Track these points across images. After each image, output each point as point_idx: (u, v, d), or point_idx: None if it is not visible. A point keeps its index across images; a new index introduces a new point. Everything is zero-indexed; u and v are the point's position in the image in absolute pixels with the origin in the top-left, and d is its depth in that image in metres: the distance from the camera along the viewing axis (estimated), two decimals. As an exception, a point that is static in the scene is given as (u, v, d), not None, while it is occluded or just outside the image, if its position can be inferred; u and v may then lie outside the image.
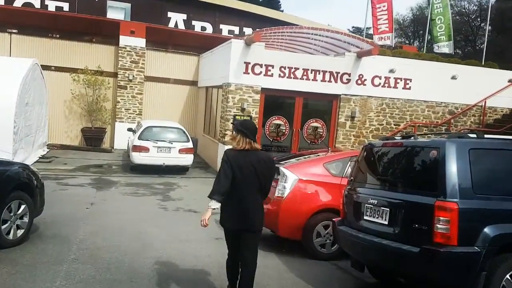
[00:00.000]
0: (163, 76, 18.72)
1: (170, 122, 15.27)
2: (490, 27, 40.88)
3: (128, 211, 8.99)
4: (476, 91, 14.79)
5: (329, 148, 7.66)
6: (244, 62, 13.18)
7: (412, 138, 4.89)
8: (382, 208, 4.66)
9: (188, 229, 7.90)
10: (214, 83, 15.46)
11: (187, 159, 13.49)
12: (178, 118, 18.63)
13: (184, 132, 13.88)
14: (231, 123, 12.73)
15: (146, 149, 13.08)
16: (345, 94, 14.06)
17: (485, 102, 14.97)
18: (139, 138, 13.25)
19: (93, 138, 17.41)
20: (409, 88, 14.48)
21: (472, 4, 40.73)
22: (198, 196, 10.91)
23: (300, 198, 6.34)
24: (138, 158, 13.11)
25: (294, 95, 13.86)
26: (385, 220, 4.54)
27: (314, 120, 14.14)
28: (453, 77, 14.68)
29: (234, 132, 4.69)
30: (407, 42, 45.03)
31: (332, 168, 6.56)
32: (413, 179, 4.52)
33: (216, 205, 4.40)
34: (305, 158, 7.24)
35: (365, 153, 5.49)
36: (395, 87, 14.40)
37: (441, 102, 14.83)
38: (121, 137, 17.03)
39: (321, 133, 14.22)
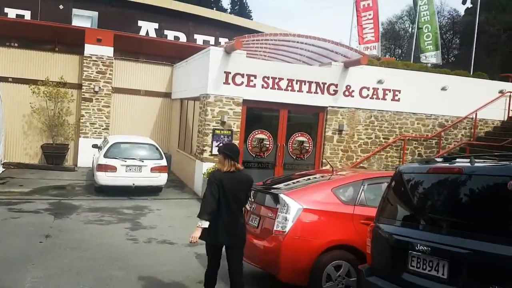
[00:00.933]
0: (133, 88, 17.30)
1: (141, 137, 13.87)
2: (459, 40, 41.34)
3: (90, 246, 7.55)
4: (466, 103, 14.08)
5: (332, 168, 6.43)
6: (224, 72, 11.99)
7: (467, 161, 3.65)
8: (437, 258, 3.54)
9: (164, 270, 6.55)
10: (190, 95, 14.18)
11: (160, 179, 12.10)
12: (149, 133, 17.20)
13: (156, 149, 12.50)
14: (218, 144, 11.54)
15: (113, 168, 11.63)
16: (332, 106, 13.05)
17: (476, 114, 14.27)
18: (105, 155, 11.79)
19: (55, 156, 15.75)
20: (398, 100, 13.61)
21: (444, 18, 41.07)
22: (174, 222, 9.55)
23: (306, 232, 5.13)
24: (103, 178, 11.63)
25: (278, 107, 12.74)
26: (443, 274, 3.37)
27: (299, 134, 13.04)
28: (443, 88, 13.92)
29: (220, 156, 5.05)
30: (384, 55, 45.04)
31: (343, 194, 5.39)
32: (483, 219, 3.36)
33: (205, 224, 4.68)
34: (306, 181, 6.05)
35: (399, 180, 4.30)
36: (383, 98, 13.50)
37: (431, 115, 14.03)
38: (86, 154, 15.45)
39: (307, 148, 13.12)
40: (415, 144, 13.98)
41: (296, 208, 5.14)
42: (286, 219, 5.11)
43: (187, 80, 14.81)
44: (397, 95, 13.59)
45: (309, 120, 13.55)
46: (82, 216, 9.63)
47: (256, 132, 12.59)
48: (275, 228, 5.16)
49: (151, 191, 12.30)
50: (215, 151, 12.01)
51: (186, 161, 14.38)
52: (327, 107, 13.01)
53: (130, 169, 11.80)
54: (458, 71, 15.06)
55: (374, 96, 13.39)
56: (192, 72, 14.16)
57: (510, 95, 14.67)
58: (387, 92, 13.50)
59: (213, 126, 12.07)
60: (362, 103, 13.29)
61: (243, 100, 12.21)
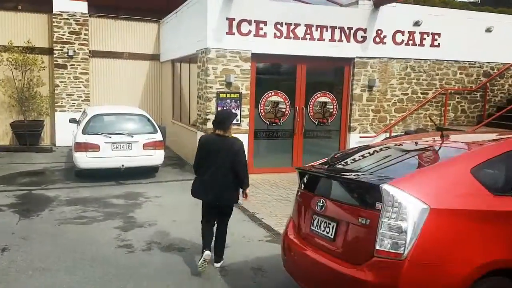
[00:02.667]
0: (114, 50, 14.64)
1: (128, 107, 11.41)
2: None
3: (64, 263, 5.28)
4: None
5: (441, 130, 3.93)
6: (227, 19, 9.47)
7: None
8: None
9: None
10: (184, 53, 11.65)
11: (156, 157, 9.75)
12: (137, 103, 14.70)
13: (148, 120, 10.09)
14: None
15: (94, 147, 9.24)
16: (361, 57, 10.63)
17: (526, 59, 11.98)
18: (84, 131, 9.37)
19: (27, 135, 13.25)
20: (438, 45, 11.23)
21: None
22: (179, 214, 7.28)
23: (441, 252, 2.83)
24: (84, 160, 9.26)
25: (295, 62, 10.30)
26: None
27: (321, 94, 10.68)
28: (488, 30, 11.53)
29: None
30: None
31: (491, 177, 3.08)
32: None
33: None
34: (407, 155, 3.66)
35: None
36: (421, 44, 11.10)
37: (475, 62, 11.69)
38: (65, 130, 12.95)
39: (331, 110, 10.80)
40: (458, 98, 11.70)
41: (418, 209, 2.81)
42: (401, 229, 2.80)
43: (178, 36, 12.22)
44: (436, 40, 11.19)
45: (332, 76, 11.18)
46: (56, 213, 7.31)
47: (270, 94, 10.20)
48: (378, 247, 2.86)
49: (146, 172, 9.98)
50: (221, 119, 9.63)
51: (185, 133, 12.01)
52: (354, 58, 10.60)
53: (117, 147, 9.43)
54: (501, 9, 12.62)
55: (410, 42, 10.98)
56: (185, 25, 11.58)
57: None
58: (425, 36, 11.08)
59: (216, 88, 9.64)
60: (396, 52, 10.89)
61: (252, 54, 9.75)
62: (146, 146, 9.58)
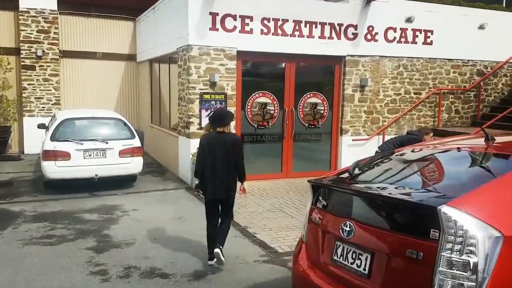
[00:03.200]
0: (87, 50, 13.68)
1: (102, 111, 10.51)
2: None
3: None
4: (505, 44, 11.34)
5: (487, 134, 3.16)
6: (210, 13, 8.72)
7: None
8: None
9: None
10: (163, 52, 10.83)
11: (134, 165, 8.90)
12: (113, 106, 13.78)
13: (124, 124, 9.23)
14: (209, 113, 8.45)
15: (65, 155, 8.34)
16: (352, 55, 10.03)
17: (519, 57, 11.60)
18: (53, 138, 8.46)
19: (-8, 142, 12.20)
20: (431, 43, 10.72)
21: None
22: (160, 230, 6.47)
23: None
24: (53, 170, 8.35)
25: (283, 60, 9.62)
26: None
27: (311, 94, 10.03)
28: (481, 26, 11.10)
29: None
30: None
31: None
32: None
33: (197, 181, 5.31)
34: (454, 163, 2.95)
35: None
36: (413, 42, 10.57)
37: (468, 60, 11.24)
38: (34, 137, 11.91)
39: (322, 112, 10.16)
40: (451, 98, 11.22)
41: (490, 238, 2.12)
42: (469, 266, 2.06)
43: (157, 33, 11.39)
44: (429, 37, 10.69)
45: (322, 75, 10.56)
46: (21, 231, 6.42)
47: (257, 95, 9.49)
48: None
49: (122, 182, 9.12)
50: (205, 123, 8.86)
51: (165, 138, 11.17)
52: (345, 56, 9.98)
53: (90, 155, 8.55)
54: (493, 5, 12.22)
55: (403, 39, 10.44)
56: (163, 21, 10.76)
57: (556, 32, 12.01)
58: (417, 33, 10.56)
59: (200, 89, 8.87)
60: (388, 49, 10.33)
61: (238, 52, 9.02)
62: (122, 153, 8.73)
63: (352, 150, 10.27)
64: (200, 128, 8.91)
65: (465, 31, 10.94)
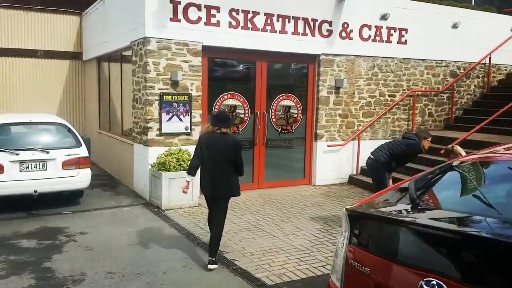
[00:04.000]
0: (26, 47, 12.03)
1: (41, 115, 9.02)
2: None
3: None
4: (478, 44, 11.00)
5: None
6: (171, 1, 7.59)
7: None
8: None
9: None
10: (114, 47, 9.52)
11: (80, 178, 7.53)
12: (55, 109, 12.20)
13: (69, 131, 7.85)
14: (170, 117, 7.34)
15: (-4, 169, 6.88)
16: (326, 54, 9.22)
17: (490, 58, 11.28)
18: (-20, 149, 6.98)
19: None
20: (405, 42, 10.14)
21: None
22: (116, 260, 5.24)
23: None
24: (-19, 187, 6.86)
25: (254, 58, 8.64)
26: None
27: (284, 96, 9.11)
28: (455, 26, 10.68)
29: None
30: None
31: None
32: None
33: (189, 178, 5.37)
34: None
35: None
36: (388, 41, 9.94)
37: (441, 61, 10.78)
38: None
39: (295, 116, 9.26)
40: (424, 100, 10.69)
41: None
42: None
43: (107, 27, 10.04)
44: (403, 36, 10.10)
45: (296, 76, 9.68)
46: None
47: (225, 97, 8.44)
48: None
49: (67, 199, 7.74)
50: (168, 128, 7.72)
51: (116, 146, 9.83)
52: (319, 55, 9.16)
53: (28, 167, 7.13)
54: (464, 4, 11.88)
55: (378, 38, 9.77)
56: (115, 12, 9.46)
57: (523, 34, 11.86)
58: (392, 32, 9.94)
59: (159, 89, 7.69)
60: (363, 48, 9.62)
61: (203, 47, 7.94)
62: (66, 164, 7.36)
63: (327, 156, 9.45)
64: (161, 135, 7.73)
65: (438, 30, 10.47)
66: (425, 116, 10.72)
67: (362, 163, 9.83)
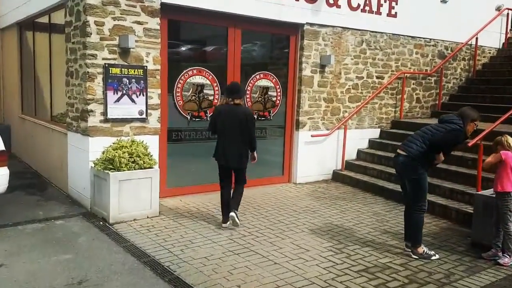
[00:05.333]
0: None
1: None
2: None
3: None
4: (465, 23, 9.89)
5: None
6: None
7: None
8: None
9: None
10: (40, 6, 7.29)
11: (-8, 181, 5.41)
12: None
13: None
14: (120, 96, 5.39)
15: None
16: (311, 24, 7.62)
17: (477, 39, 10.24)
18: None
19: None
20: (395, 15, 8.78)
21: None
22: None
23: None
24: None
25: (225, 23, 6.82)
26: None
27: (261, 75, 7.40)
28: (443, 0, 9.48)
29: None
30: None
31: None
32: None
33: None
34: None
35: None
36: (378, 12, 8.51)
37: (430, 40, 9.55)
38: None
39: (274, 99, 7.59)
40: (413, 84, 9.43)
41: None
42: None
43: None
44: (393, 8, 8.72)
45: (274, 50, 7.98)
46: None
47: (191, 72, 6.58)
48: None
49: (-28, 209, 5.57)
50: (116, 112, 5.77)
51: (44, 135, 7.64)
52: (303, 25, 7.53)
53: None
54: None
55: (367, 8, 8.31)
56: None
57: (507, 13, 10.95)
58: (382, 2, 8.52)
59: (103, 58, 5.69)
60: (351, 20, 8.13)
61: (162, 4, 6.03)
62: (-30, 162, 5.20)
63: (310, 149, 7.91)
64: (106, 121, 5.76)
65: (428, 5, 9.20)
66: (412, 102, 9.48)
67: (348, 156, 8.44)
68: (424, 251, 4.59)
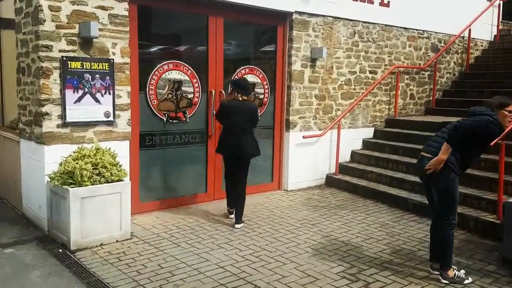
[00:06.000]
0: None
1: None
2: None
3: None
4: (456, 14, 9.29)
5: None
6: None
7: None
8: None
9: None
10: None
11: None
12: None
13: None
14: (82, 95, 4.47)
15: None
16: (301, 13, 6.82)
17: (470, 31, 9.67)
18: None
19: None
20: (388, 5, 8.08)
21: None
22: None
23: None
24: None
25: (205, 11, 5.93)
26: None
27: (247, 70, 6.55)
28: (436, -10, 8.87)
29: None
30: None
31: None
32: None
33: None
34: None
35: None
36: (370, 1, 7.79)
37: (423, 31, 8.90)
38: None
39: (262, 97, 6.75)
40: (406, 79, 8.76)
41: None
42: None
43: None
44: (387, -4, 8.03)
45: (261, 42, 7.10)
46: None
47: (166, 67, 5.65)
48: None
49: None
50: (76, 114, 4.82)
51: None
52: (291, 14, 6.72)
53: None
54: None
55: (360, -4, 7.57)
56: None
57: (499, 3, 10.44)
58: (375, -11, 7.81)
59: (60, 50, 4.71)
60: (343, 9, 7.38)
61: (131, -13, 5.10)
62: None
63: (302, 151, 7.10)
64: (65, 125, 4.80)
65: (421, -6, 8.56)
66: (406, 98, 8.81)
67: (342, 158, 7.68)
68: (456, 274, 3.83)
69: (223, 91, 6.13)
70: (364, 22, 7.78)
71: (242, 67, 6.43)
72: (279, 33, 6.79)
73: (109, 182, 4.57)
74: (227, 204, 5.55)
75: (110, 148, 4.83)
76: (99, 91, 4.94)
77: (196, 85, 5.91)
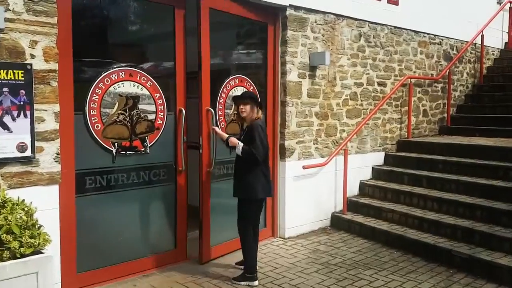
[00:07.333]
0: None
1: None
2: None
3: None
4: (468, 18, 8.01)
5: None
6: None
7: None
8: None
9: None
10: None
11: None
12: None
13: None
14: None
15: None
16: (296, 8, 5.31)
17: (483, 37, 8.38)
18: None
19: None
20: (397, 2, 6.68)
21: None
22: None
23: None
24: None
25: (170, 1, 4.32)
26: None
27: (238, 80, 4.92)
28: (447, -11, 7.56)
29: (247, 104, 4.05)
30: None
31: None
32: None
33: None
34: None
35: None
36: (377, -2, 6.37)
37: (435, 36, 7.54)
38: None
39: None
40: (419, 93, 7.32)
41: None
42: None
43: None
44: (396, -7, 6.62)
45: (245, 44, 5.49)
46: None
47: (115, 76, 3.97)
48: None
49: None
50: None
51: None
52: (284, 8, 5.19)
53: None
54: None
55: (366, -9, 6.13)
56: None
57: (510, 7, 9.24)
58: (383, -16, 6.40)
59: None
60: (347, 5, 5.91)
61: (59, -39, 3.45)
62: None
63: (301, 185, 5.50)
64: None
65: (431, -7, 7.22)
66: (419, 116, 7.36)
67: (349, 191, 6.11)
68: None
69: (212, 110, 4.47)
70: (371, 23, 6.33)
71: (230, 77, 4.82)
72: (270, 34, 5.23)
73: (20, 257, 2.85)
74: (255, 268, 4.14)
75: (24, 200, 3.11)
76: (8, 112, 3.25)
77: (160, 101, 4.25)
